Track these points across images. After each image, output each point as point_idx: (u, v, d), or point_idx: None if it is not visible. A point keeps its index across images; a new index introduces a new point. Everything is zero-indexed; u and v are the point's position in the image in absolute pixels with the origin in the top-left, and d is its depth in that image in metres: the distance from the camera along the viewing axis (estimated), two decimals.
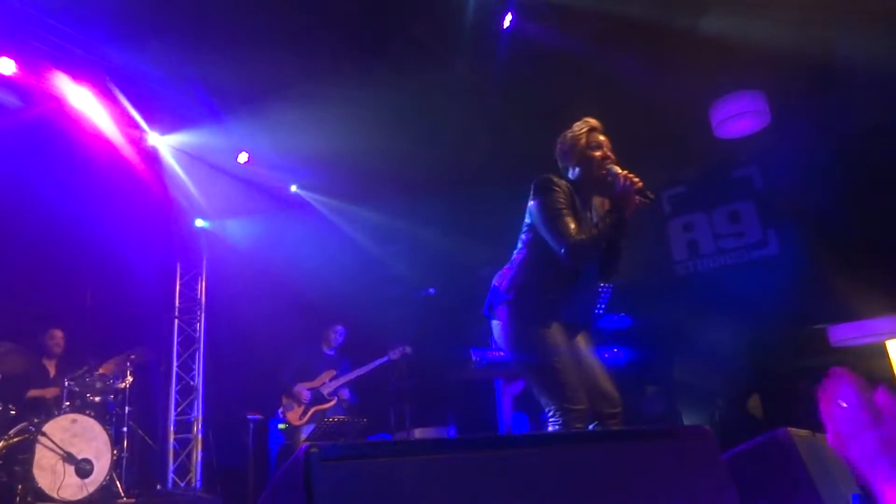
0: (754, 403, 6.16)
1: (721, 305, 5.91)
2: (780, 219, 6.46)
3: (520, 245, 2.83)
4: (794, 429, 2.35)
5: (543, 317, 2.66)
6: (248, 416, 5.87)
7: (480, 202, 6.39)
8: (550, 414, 2.55)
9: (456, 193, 6.37)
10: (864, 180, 5.60)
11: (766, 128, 5.71)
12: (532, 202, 2.77)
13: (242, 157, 6.75)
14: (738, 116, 5.77)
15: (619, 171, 2.72)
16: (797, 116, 5.52)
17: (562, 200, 2.69)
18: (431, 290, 5.56)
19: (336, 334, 6.11)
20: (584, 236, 2.62)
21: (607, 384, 2.73)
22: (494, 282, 2.83)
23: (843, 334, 6.11)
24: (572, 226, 2.63)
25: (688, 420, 6.05)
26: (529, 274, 2.73)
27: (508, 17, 5.07)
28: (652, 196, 2.68)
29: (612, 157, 2.83)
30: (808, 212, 6.12)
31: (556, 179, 2.76)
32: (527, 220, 2.82)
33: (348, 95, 5.34)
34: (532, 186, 2.78)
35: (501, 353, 4.94)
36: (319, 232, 6.81)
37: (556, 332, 2.66)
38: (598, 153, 2.81)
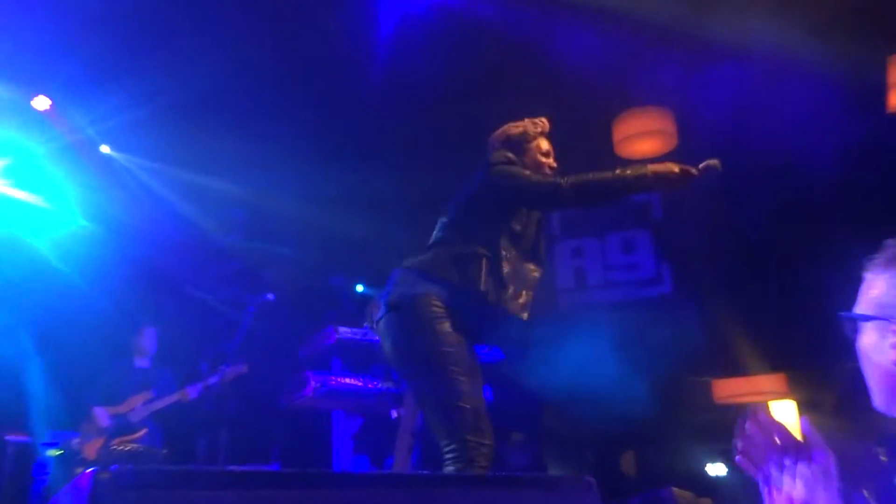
0: (628, 460, 6.48)
1: (604, 346, 6.17)
2: (676, 254, 6.91)
3: (449, 222, 2.88)
4: (677, 489, 2.46)
5: (473, 316, 2.68)
6: (7, 438, 5.48)
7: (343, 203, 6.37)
8: (450, 449, 2.51)
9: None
10: (771, 225, 6.10)
11: (671, 151, 6.01)
12: (490, 170, 2.85)
13: (41, 103, 6.24)
14: (642, 135, 6.07)
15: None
16: (707, 142, 5.88)
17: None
18: (270, 296, 5.38)
19: (146, 339, 5.84)
20: (574, 178, 2.68)
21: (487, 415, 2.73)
22: (405, 265, 2.81)
23: (728, 391, 6.59)
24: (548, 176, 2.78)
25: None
26: (471, 253, 2.73)
27: None
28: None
29: (556, 167, 3.01)
30: (704, 251, 6.57)
31: (515, 159, 2.91)
32: (461, 200, 2.89)
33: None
34: (493, 160, 2.89)
35: (346, 381, 4.90)
36: (138, 205, 6.48)
37: (463, 340, 2.65)
38: (545, 160, 3.01)
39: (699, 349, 6.31)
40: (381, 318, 2.79)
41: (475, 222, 2.84)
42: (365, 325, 5.18)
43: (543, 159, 3.01)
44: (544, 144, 3.04)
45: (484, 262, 2.71)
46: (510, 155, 2.92)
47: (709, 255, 6.59)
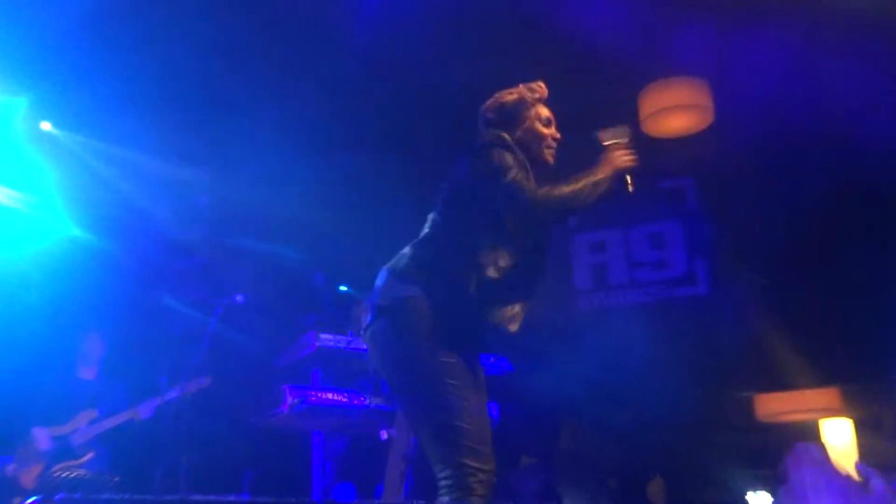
0: (656, 488, 6.47)
1: (628, 355, 6.21)
2: (713, 250, 6.92)
3: (434, 217, 2.91)
4: None
5: (465, 323, 2.70)
6: None
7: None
8: (444, 475, 2.54)
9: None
10: (823, 215, 6.08)
11: (708, 128, 5.99)
12: (473, 158, 2.87)
13: None
14: (673, 110, 6.06)
15: (610, 138, 2.93)
16: (749, 117, 5.88)
17: (515, 158, 2.83)
18: (239, 297, 5.45)
19: (91, 346, 5.86)
20: (550, 191, 2.73)
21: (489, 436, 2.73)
22: (390, 265, 2.84)
23: (772, 407, 6.59)
24: (529, 181, 2.77)
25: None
26: (454, 253, 2.76)
27: None
28: (631, 188, 2.88)
29: (560, 138, 3.04)
30: (747, 246, 6.62)
31: (509, 140, 2.92)
32: (446, 192, 2.92)
33: None
34: (482, 144, 2.92)
35: (329, 396, 4.94)
36: (84, 190, 6.48)
37: (462, 349, 2.68)
38: (547, 130, 3.03)
39: (739, 359, 6.36)
40: (368, 326, 2.84)
41: (461, 216, 2.86)
42: (350, 331, 5.18)
43: (544, 129, 3.03)
44: (544, 112, 3.06)
45: (467, 264, 2.75)
46: (505, 136, 2.93)
47: (750, 251, 6.62)
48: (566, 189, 2.74)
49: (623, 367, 6.03)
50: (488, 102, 3.11)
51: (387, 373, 2.81)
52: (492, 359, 5.27)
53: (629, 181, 2.88)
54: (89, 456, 5.56)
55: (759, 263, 6.57)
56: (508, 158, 2.81)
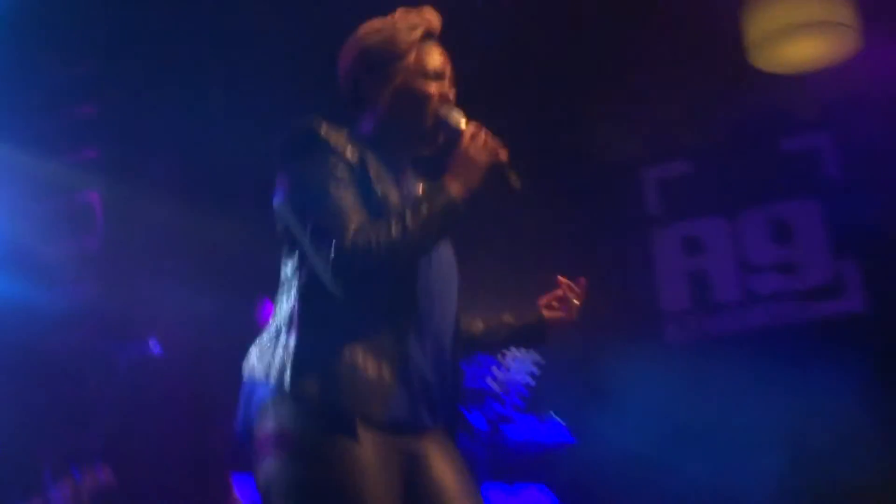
0: None
1: (749, 406, 6.10)
2: (869, 242, 6.66)
3: (288, 275, 2.83)
4: None
5: (349, 418, 2.58)
6: None
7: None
8: None
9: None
10: None
11: (852, 60, 5.88)
12: (281, 177, 2.77)
13: None
14: (801, 31, 5.88)
15: (463, 119, 2.83)
16: None
17: (335, 170, 2.68)
18: (153, 345, 5.49)
19: None
20: (373, 235, 2.57)
21: None
22: (246, 369, 2.80)
23: None
24: (352, 214, 2.61)
25: None
26: (315, 327, 2.67)
27: None
28: (517, 185, 2.79)
29: (453, 96, 2.95)
30: None
31: (328, 131, 2.73)
32: (280, 225, 2.85)
33: None
34: (280, 148, 2.78)
35: None
36: None
37: (370, 454, 2.56)
38: (434, 88, 2.90)
39: None
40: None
41: (296, 267, 2.81)
42: None
43: (430, 88, 2.87)
44: (432, 59, 2.90)
45: (317, 332, 2.68)
46: (318, 128, 2.73)
47: None
48: (395, 232, 2.58)
49: (738, 429, 5.95)
50: (349, 42, 2.97)
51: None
52: (536, 425, 5.47)
53: (512, 176, 2.79)
54: None
55: None
56: (325, 169, 2.68)
